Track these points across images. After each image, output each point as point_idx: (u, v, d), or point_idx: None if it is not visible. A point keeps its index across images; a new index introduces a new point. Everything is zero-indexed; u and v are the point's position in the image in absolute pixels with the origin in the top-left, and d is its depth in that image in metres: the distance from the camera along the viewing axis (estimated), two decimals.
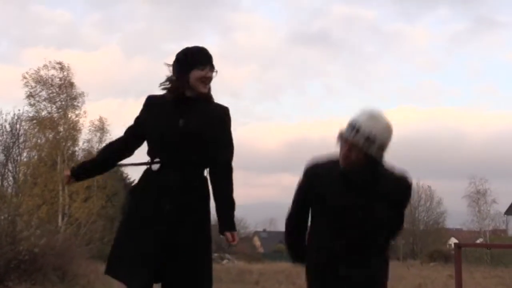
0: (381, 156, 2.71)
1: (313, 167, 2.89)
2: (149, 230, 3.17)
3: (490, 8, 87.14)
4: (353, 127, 2.66)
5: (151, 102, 3.38)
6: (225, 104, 3.38)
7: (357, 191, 2.71)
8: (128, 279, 3.18)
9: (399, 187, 2.80)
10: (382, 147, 2.69)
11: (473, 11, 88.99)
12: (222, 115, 3.35)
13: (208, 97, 3.34)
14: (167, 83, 3.34)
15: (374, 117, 2.68)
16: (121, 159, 3.52)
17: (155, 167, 3.22)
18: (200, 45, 3.34)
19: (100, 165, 3.54)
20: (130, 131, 3.45)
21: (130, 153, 3.50)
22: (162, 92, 3.39)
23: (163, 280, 3.23)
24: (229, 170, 3.36)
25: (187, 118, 3.22)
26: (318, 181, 2.81)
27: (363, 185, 2.72)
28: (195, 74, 3.23)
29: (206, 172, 3.35)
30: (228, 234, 3.42)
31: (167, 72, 3.37)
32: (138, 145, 3.44)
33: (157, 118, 3.27)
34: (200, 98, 3.27)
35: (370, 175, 2.72)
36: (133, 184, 3.42)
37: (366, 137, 2.63)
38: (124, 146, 3.46)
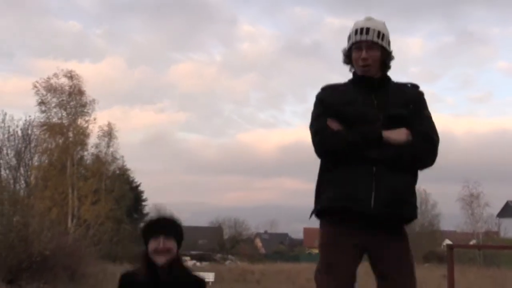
0: (390, 51, 2.65)
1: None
2: None
3: (479, 22, 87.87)
4: (361, 30, 2.59)
5: (127, 283, 3.07)
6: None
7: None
8: None
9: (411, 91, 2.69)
10: (388, 40, 2.66)
11: (463, 25, 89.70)
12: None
13: (180, 268, 3.05)
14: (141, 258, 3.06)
15: (370, 18, 2.67)
16: None
17: None
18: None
19: None
20: None
21: None
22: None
23: None
24: None
25: None
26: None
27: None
28: (151, 245, 2.97)
29: None
30: None
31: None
32: None
33: None
34: (173, 271, 2.99)
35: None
36: None
37: (377, 32, 2.59)
38: None
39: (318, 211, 2.71)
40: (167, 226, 3.05)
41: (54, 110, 28.09)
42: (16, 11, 76.36)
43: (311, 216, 2.77)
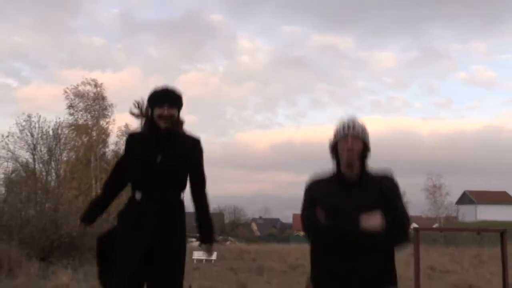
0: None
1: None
2: (134, 245, 3.01)
3: (441, 39, 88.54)
4: (348, 126, 2.63)
5: (132, 140, 3.22)
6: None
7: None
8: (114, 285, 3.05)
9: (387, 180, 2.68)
10: (369, 137, 2.68)
11: (427, 42, 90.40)
12: (194, 147, 3.17)
13: (179, 131, 3.14)
14: (143, 120, 3.19)
15: (355, 118, 2.70)
16: (121, 191, 3.34)
17: (138, 196, 3.06)
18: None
19: (106, 202, 3.37)
20: (119, 167, 3.28)
21: (126, 183, 3.29)
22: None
23: (147, 279, 3.06)
24: (204, 198, 3.22)
25: (163, 154, 3.04)
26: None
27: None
28: (156, 112, 3.05)
29: (182, 195, 3.17)
30: (205, 246, 3.25)
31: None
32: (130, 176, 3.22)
33: (137, 155, 3.09)
34: (173, 132, 3.09)
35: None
36: (120, 210, 3.23)
37: (362, 128, 2.64)
38: (119, 180, 3.29)
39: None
40: (170, 96, 3.10)
41: (81, 113, 28.12)
42: (49, 29, 76.09)
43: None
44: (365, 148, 2.64)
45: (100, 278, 3.18)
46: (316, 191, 2.66)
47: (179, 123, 3.17)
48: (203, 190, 3.22)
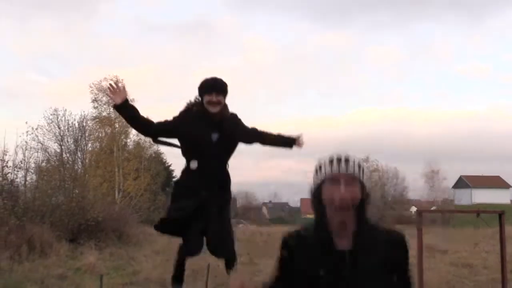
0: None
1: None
2: (192, 204, 3.31)
3: (437, 35, 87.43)
4: (339, 160, 1.55)
5: (186, 116, 3.41)
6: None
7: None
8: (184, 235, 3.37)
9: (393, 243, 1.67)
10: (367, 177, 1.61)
11: (424, 37, 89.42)
12: (236, 121, 3.48)
13: (226, 113, 3.41)
14: (197, 104, 3.44)
15: (347, 152, 1.60)
16: (143, 128, 3.46)
17: (194, 166, 3.31)
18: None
19: (134, 119, 3.49)
20: (161, 124, 3.45)
21: (150, 133, 3.51)
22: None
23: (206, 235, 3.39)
24: (261, 132, 3.52)
25: (217, 133, 3.33)
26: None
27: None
28: (206, 98, 3.34)
29: (228, 166, 3.47)
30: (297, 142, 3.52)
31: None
32: (161, 135, 3.48)
33: (193, 130, 3.32)
34: (222, 115, 3.35)
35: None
36: (177, 179, 3.53)
37: (358, 164, 1.56)
38: (152, 130, 3.46)
39: None
40: (217, 84, 3.40)
41: (104, 106, 28.18)
42: (77, 32, 76.30)
43: None
44: (363, 195, 1.57)
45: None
46: (295, 257, 1.61)
47: (225, 107, 3.42)
48: (257, 131, 3.49)
